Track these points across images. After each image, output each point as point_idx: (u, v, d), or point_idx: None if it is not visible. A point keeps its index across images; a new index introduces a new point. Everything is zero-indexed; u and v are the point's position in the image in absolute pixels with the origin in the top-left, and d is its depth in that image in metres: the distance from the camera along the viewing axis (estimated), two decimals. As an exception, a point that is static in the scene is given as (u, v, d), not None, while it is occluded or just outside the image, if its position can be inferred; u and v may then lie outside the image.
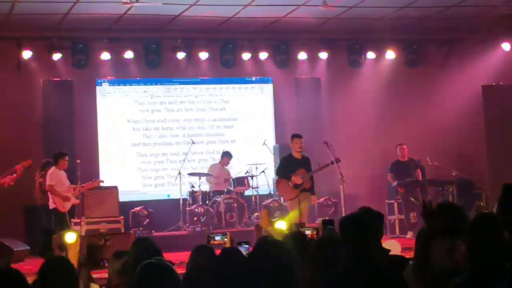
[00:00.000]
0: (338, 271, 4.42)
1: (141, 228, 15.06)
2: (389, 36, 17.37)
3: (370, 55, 18.06)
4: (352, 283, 4.24)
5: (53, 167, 13.90)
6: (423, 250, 5.03)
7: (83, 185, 14.13)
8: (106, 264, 11.83)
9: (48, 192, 13.78)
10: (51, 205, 13.77)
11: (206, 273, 5.46)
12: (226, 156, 16.75)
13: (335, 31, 17.26)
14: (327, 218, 13.97)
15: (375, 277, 4.25)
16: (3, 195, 13.65)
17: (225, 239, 7.40)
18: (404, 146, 16.01)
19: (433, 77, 18.43)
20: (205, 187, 16.39)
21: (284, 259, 4.42)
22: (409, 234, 15.27)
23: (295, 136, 13.97)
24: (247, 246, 6.78)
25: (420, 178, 15.94)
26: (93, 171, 15.81)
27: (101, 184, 15.33)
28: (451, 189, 15.94)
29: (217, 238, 7.48)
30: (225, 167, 16.72)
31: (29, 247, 14.30)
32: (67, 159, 13.84)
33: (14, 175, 12.78)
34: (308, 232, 7.71)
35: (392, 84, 18.33)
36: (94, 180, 14.71)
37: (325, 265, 4.72)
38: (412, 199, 15.60)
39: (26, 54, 15.97)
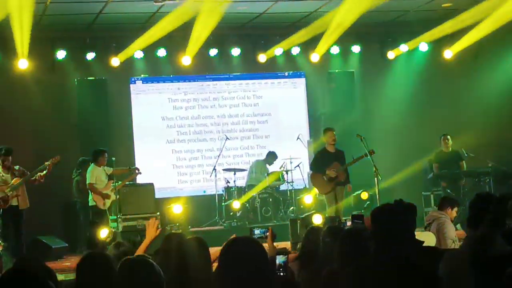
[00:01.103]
0: (366, 263, 4.40)
1: (177, 224, 15.12)
2: (422, 27, 17.24)
3: (403, 47, 17.91)
4: (380, 276, 4.22)
5: (92, 164, 14.06)
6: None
7: (119, 182, 14.29)
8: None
9: (88, 190, 13.95)
10: (91, 202, 13.93)
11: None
12: (271, 156, 16.74)
13: (367, 24, 17.15)
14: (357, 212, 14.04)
15: (405, 270, 4.23)
16: (41, 193, 13.77)
17: (266, 234, 7.40)
18: (448, 137, 15.91)
19: (467, 67, 18.25)
20: (240, 183, 16.42)
21: None
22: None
23: (328, 129, 14.08)
24: None
25: (464, 169, 15.84)
26: (128, 169, 15.93)
27: (137, 181, 15.47)
28: (488, 180, 15.81)
29: (256, 232, 7.48)
30: (267, 165, 16.72)
31: (67, 244, 14.45)
32: (106, 156, 14.01)
33: (45, 172, 12.91)
34: (349, 224, 7.78)
35: (426, 75, 18.22)
36: (129, 167, 14.86)
37: (352, 256, 4.71)
38: (448, 191, 15.51)
39: (60, 54, 16.12)
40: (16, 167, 12.89)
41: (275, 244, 6.91)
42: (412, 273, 4.23)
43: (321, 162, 13.96)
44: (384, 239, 4.37)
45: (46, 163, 12.92)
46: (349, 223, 7.96)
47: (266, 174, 16.36)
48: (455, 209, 10.32)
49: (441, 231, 9.60)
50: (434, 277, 4.37)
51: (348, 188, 14.06)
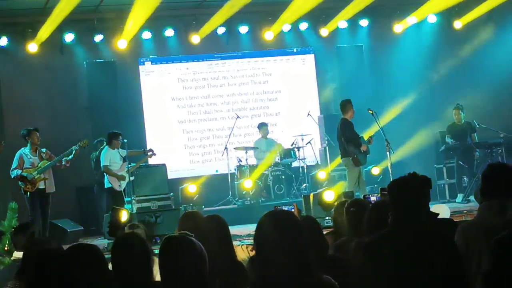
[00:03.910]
0: (383, 233, 4.45)
1: (191, 204, 15.16)
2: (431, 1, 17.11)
3: (412, 20, 17.80)
4: (398, 245, 4.28)
5: (106, 147, 14.09)
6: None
7: (132, 164, 14.30)
8: (158, 241, 12.00)
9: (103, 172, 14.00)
10: (107, 185, 13.97)
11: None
12: (262, 127, 16.68)
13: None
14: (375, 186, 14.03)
15: (423, 239, 4.28)
16: (56, 177, 13.80)
17: (293, 209, 7.57)
18: (460, 109, 15.76)
19: (477, 38, 18.15)
20: (252, 161, 16.43)
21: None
22: (459, 198, 15.17)
23: (350, 101, 13.86)
24: None
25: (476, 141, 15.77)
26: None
27: (150, 162, 15.51)
28: (500, 151, 15.74)
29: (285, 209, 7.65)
30: (268, 138, 16.69)
31: (82, 228, 14.52)
32: (121, 139, 14.01)
33: (71, 157, 12.95)
34: (373, 199, 7.79)
35: (435, 47, 18.16)
36: (144, 150, 14.90)
37: (379, 228, 4.74)
38: (461, 163, 15.48)
39: (68, 37, 16.11)
40: (43, 150, 12.95)
41: None
42: (429, 241, 4.28)
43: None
44: (401, 210, 4.42)
45: (73, 147, 12.97)
46: (372, 198, 7.97)
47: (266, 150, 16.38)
48: None
49: None
50: (451, 244, 4.42)
51: None
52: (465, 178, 15.46)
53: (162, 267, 4.15)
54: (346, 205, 6.47)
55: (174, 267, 4.09)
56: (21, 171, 12.66)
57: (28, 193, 12.70)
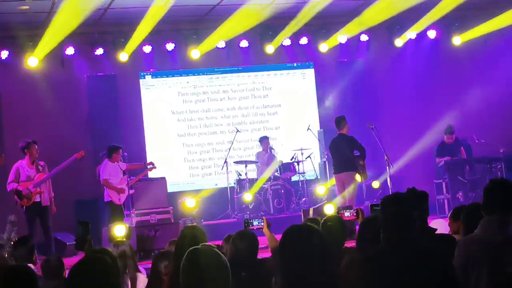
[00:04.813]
0: (377, 249, 4.44)
1: (190, 218, 15.15)
2: (430, 14, 17.15)
3: (411, 34, 17.85)
4: (392, 262, 4.27)
5: (106, 160, 14.05)
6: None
7: (132, 178, 14.28)
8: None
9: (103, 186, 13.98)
10: (106, 198, 13.92)
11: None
12: (263, 141, 16.72)
13: (375, 12, 17.08)
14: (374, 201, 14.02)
15: (416, 255, 4.27)
16: (54, 189, 13.80)
17: (262, 223, 7.57)
18: (451, 132, 15.77)
19: (476, 53, 18.19)
20: (252, 175, 16.43)
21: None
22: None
23: (345, 118, 13.97)
24: None
25: (464, 157, 15.79)
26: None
27: (149, 176, 15.49)
28: (499, 166, 15.76)
29: (255, 223, 7.64)
30: (269, 151, 16.69)
31: (81, 241, 14.45)
32: (121, 152, 13.99)
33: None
34: (347, 214, 7.71)
35: (435, 62, 18.18)
36: (144, 163, 14.89)
37: (368, 244, 4.75)
38: (460, 178, 15.48)
39: (69, 51, 16.13)
40: (41, 163, 12.91)
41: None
42: (424, 256, 4.27)
43: None
44: (393, 226, 4.41)
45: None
46: (346, 214, 7.87)
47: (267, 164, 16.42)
48: None
49: None
50: (447, 259, 4.41)
51: None
52: (461, 193, 15.42)
53: (186, 278, 4.14)
54: (322, 220, 6.49)
55: (200, 278, 4.08)
56: (17, 184, 12.62)
57: (25, 207, 12.66)
